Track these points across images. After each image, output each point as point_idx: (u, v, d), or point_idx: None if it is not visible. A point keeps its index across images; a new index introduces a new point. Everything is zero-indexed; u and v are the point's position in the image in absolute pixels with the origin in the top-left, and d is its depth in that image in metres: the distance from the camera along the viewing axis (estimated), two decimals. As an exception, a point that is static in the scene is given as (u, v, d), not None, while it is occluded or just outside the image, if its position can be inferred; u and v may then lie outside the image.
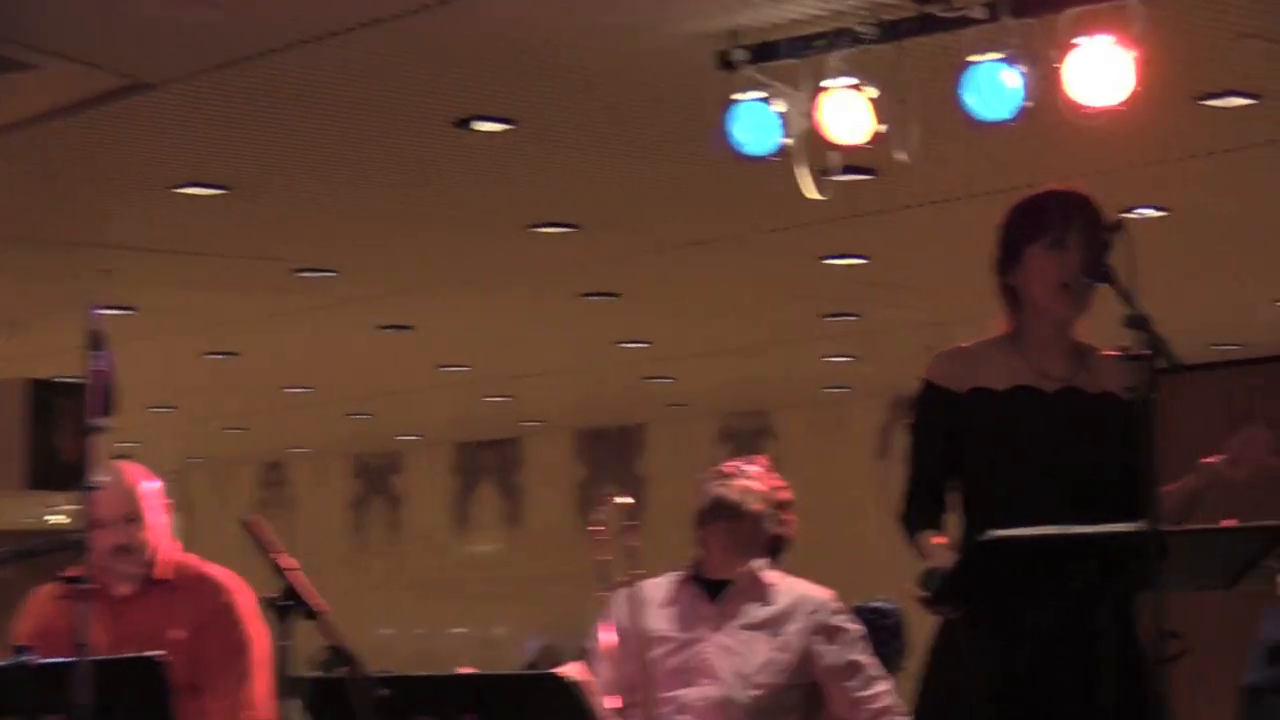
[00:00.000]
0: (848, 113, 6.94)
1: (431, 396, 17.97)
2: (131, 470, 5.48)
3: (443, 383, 17.06)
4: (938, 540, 4.45)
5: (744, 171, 7.70)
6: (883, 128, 6.92)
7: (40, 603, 5.54)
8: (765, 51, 7.16)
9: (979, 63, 6.64)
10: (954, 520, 4.55)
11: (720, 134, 7.17)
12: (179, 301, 12.84)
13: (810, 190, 7.32)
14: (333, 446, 22.59)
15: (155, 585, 5.42)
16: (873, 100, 6.91)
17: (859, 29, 6.90)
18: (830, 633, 5.46)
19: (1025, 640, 4.38)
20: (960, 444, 4.53)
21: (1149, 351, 4.00)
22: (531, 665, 19.35)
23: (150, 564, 5.42)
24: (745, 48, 7.18)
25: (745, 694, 5.36)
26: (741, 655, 5.40)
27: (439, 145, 8.81)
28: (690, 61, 7.34)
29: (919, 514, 4.55)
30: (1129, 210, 9.70)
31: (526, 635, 21.31)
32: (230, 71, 7.69)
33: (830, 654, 5.43)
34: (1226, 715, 15.09)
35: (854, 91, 6.92)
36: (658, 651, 5.38)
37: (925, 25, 6.86)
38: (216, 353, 15.15)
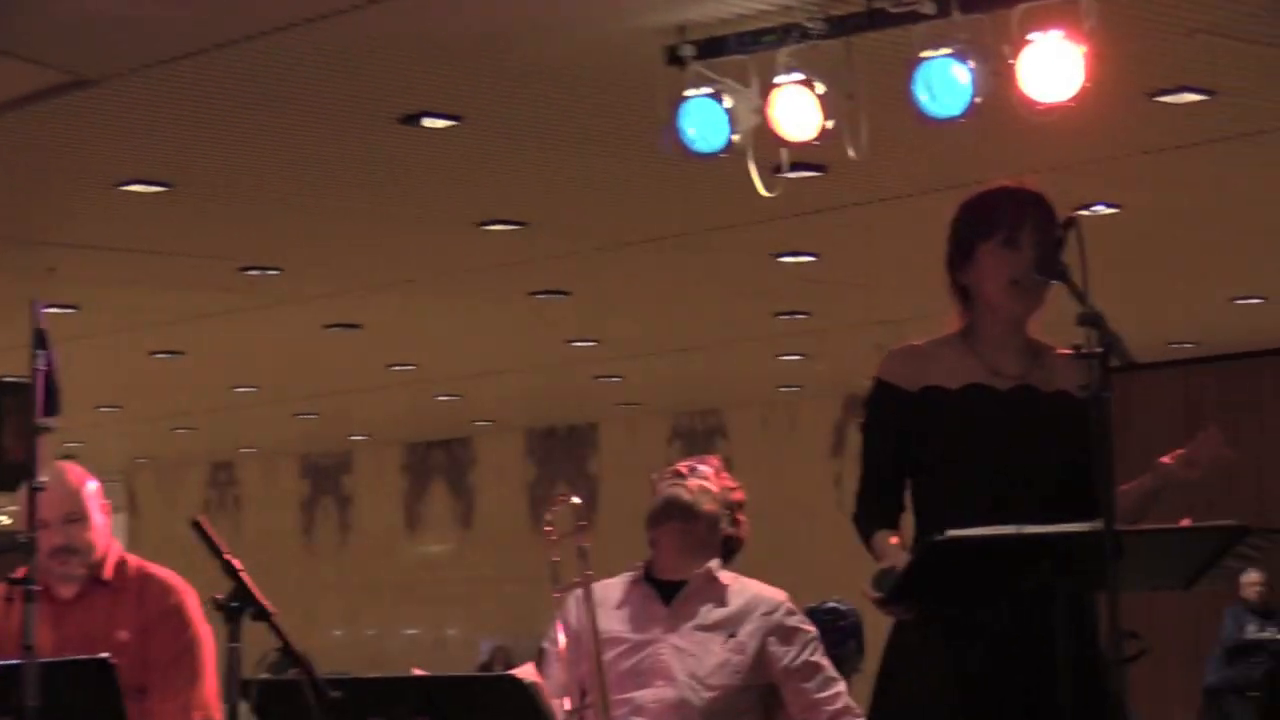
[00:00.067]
0: (797, 109, 6.95)
1: (381, 396, 17.94)
2: (72, 471, 5.46)
3: (392, 382, 17.04)
4: (892, 540, 4.45)
5: (694, 168, 7.71)
6: (831, 124, 6.93)
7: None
8: (713, 47, 7.17)
9: (929, 59, 6.65)
10: (909, 520, 4.56)
11: (670, 130, 7.18)
12: (124, 300, 12.79)
13: (760, 187, 7.33)
14: (281, 446, 22.54)
15: (99, 587, 5.40)
16: (822, 96, 6.92)
17: (808, 24, 6.91)
18: (785, 634, 5.46)
19: (979, 641, 4.39)
20: (913, 443, 4.54)
21: (1103, 349, 4.01)
22: (484, 667, 19.34)
23: (94, 565, 5.40)
24: (693, 43, 7.19)
25: (700, 696, 5.36)
26: (696, 657, 5.40)
27: (386, 142, 8.79)
28: (639, 57, 7.34)
29: (873, 514, 4.55)
30: (1082, 207, 9.74)
31: (479, 636, 21.30)
32: (174, 67, 7.66)
33: (786, 655, 5.43)
34: (1188, 716, 15.16)
35: (803, 88, 6.92)
36: (611, 653, 5.37)
37: (875, 21, 6.87)
38: (162, 352, 15.10)
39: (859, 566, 4.43)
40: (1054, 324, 4.56)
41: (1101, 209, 10.12)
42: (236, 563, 4.26)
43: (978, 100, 6.61)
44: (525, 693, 4.49)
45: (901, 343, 4.66)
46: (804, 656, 5.45)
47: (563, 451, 20.94)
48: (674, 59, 7.22)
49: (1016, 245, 4.51)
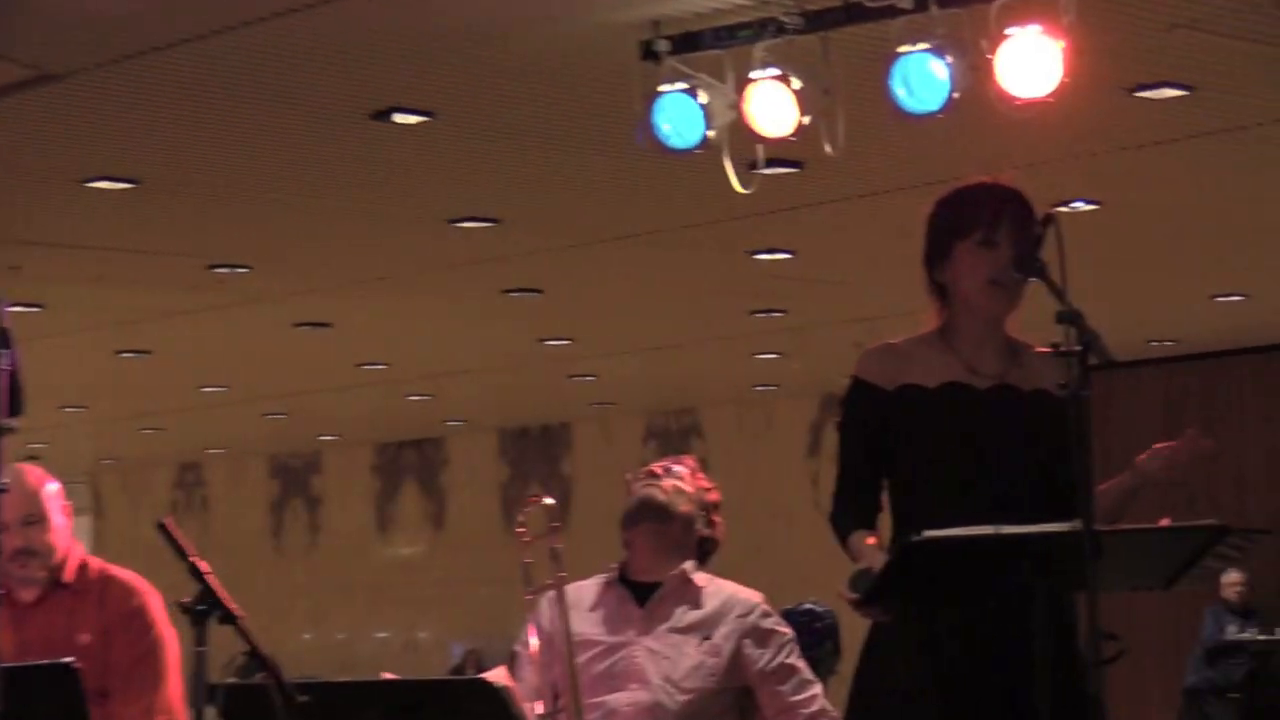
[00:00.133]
0: (773, 105, 6.95)
1: (351, 395, 17.92)
2: (32, 472, 5.44)
3: (362, 381, 17.02)
4: (869, 541, 4.45)
5: (669, 164, 7.71)
6: (808, 120, 6.93)
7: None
8: (689, 42, 7.17)
9: (907, 54, 6.65)
10: (887, 520, 4.57)
11: (644, 126, 7.17)
12: (89, 298, 12.76)
13: (736, 184, 7.33)
14: (249, 447, 22.50)
15: (61, 589, 5.39)
16: (798, 92, 6.92)
17: (784, 19, 6.92)
18: (761, 636, 5.46)
19: (957, 642, 4.40)
20: (891, 442, 4.54)
21: (1081, 348, 4.02)
22: (456, 670, 19.34)
23: (55, 568, 5.38)
24: (668, 38, 7.18)
25: (675, 699, 5.36)
26: (670, 659, 5.40)
27: (356, 137, 8.78)
28: (613, 52, 7.34)
29: (850, 514, 4.55)
30: (1061, 203, 9.76)
31: (451, 639, 21.29)
32: (141, 62, 7.64)
33: (762, 658, 5.43)
34: (1167, 717, 15.20)
35: (779, 83, 6.93)
36: (584, 656, 5.37)
37: (852, 15, 6.88)
38: (128, 351, 15.07)
39: (836, 567, 4.43)
40: (1032, 322, 4.56)
41: (1081, 205, 10.14)
42: (203, 565, 4.25)
43: (956, 95, 6.62)
44: (497, 696, 4.48)
45: (879, 341, 4.67)
46: (780, 659, 5.46)
47: (536, 451, 20.94)
48: (648, 54, 7.22)
49: (994, 244, 4.51)
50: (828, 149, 6.97)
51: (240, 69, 7.74)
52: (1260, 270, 12.38)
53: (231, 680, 4.35)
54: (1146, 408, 15.64)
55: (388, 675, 4.76)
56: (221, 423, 19.88)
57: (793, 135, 6.99)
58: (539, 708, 5.23)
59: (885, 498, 4.59)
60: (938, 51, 6.60)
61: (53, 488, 5.45)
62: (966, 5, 6.61)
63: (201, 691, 4.22)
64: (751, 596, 5.54)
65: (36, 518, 5.37)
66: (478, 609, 20.60)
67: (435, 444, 21.82)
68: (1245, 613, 15.43)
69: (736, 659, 5.42)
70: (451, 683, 7.71)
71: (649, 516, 5.51)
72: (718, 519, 5.66)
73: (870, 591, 4.21)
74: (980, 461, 4.47)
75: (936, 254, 4.61)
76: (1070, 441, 4.01)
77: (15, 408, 4.36)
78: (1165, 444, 4.41)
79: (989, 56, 6.55)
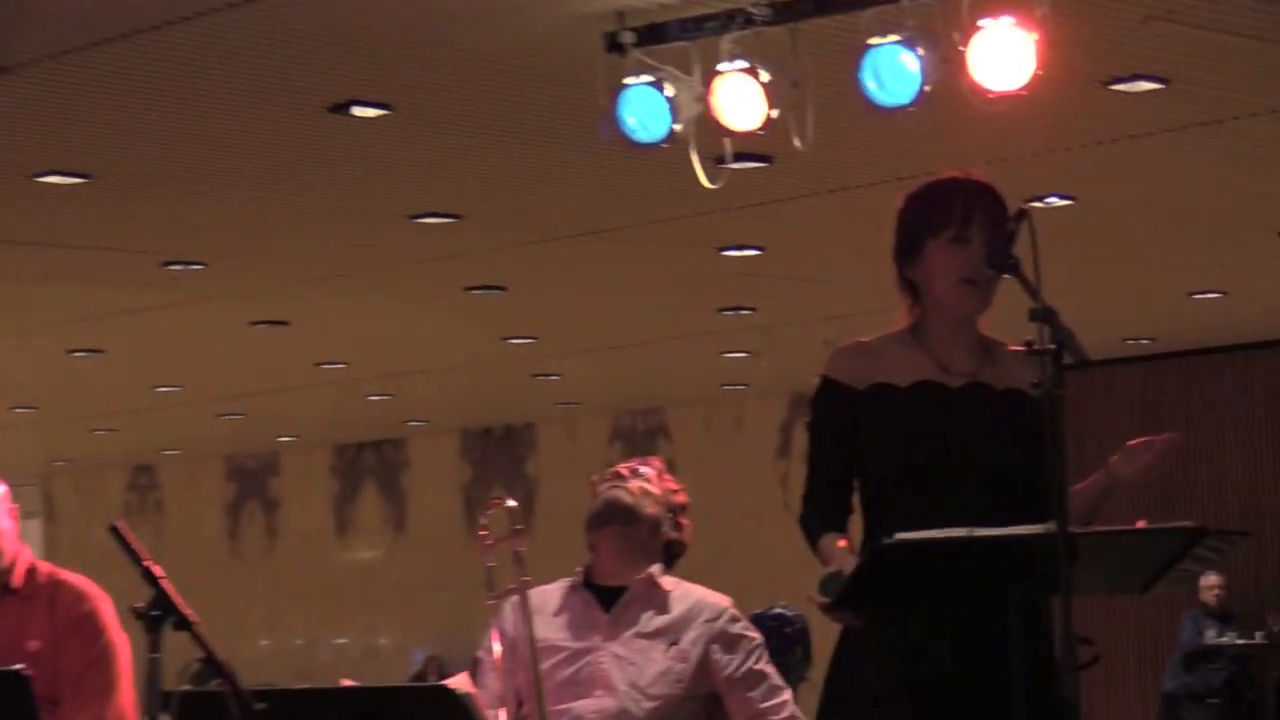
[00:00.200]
0: (741, 98, 6.96)
1: (309, 395, 17.90)
2: None
3: (321, 380, 16.99)
4: (840, 543, 4.46)
5: (635, 159, 7.72)
6: (776, 113, 6.94)
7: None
8: (654, 34, 7.17)
9: (877, 46, 6.66)
10: (858, 522, 4.57)
11: (609, 120, 7.18)
12: (40, 296, 12.72)
13: (703, 178, 7.34)
14: (205, 448, 22.46)
15: (9, 595, 5.38)
16: (766, 85, 6.93)
17: (752, 10, 6.92)
18: (730, 641, 5.47)
19: (929, 647, 4.41)
20: (862, 443, 4.55)
21: (1055, 346, 4.03)
22: (418, 677, 19.33)
23: (3, 573, 5.37)
24: (633, 29, 7.19)
25: (641, 706, 5.36)
26: (637, 665, 5.41)
27: (314, 131, 8.77)
28: (577, 44, 7.34)
29: (820, 516, 4.55)
30: (1034, 198, 9.78)
31: (412, 645, 21.27)
32: (93, 53, 7.62)
33: (730, 664, 5.44)
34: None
35: (747, 76, 6.94)
36: (549, 662, 5.37)
37: (821, 6, 6.89)
38: (81, 350, 15.03)
39: (806, 571, 4.44)
40: (1005, 320, 4.57)
41: (1055, 200, 10.16)
42: (157, 570, 4.24)
43: (927, 89, 6.63)
44: (460, 704, 4.48)
45: (849, 339, 4.67)
46: (748, 665, 5.46)
47: (499, 453, 20.93)
48: (613, 46, 7.22)
49: (966, 241, 4.52)
50: (797, 143, 6.98)
51: (194, 61, 7.72)
52: (1238, 267, 12.43)
53: (186, 688, 4.35)
54: (1122, 407, 15.69)
55: (347, 682, 4.76)
56: (176, 423, 19.84)
57: (761, 129, 7.00)
58: (502, 715, 5.23)
59: (856, 499, 4.60)
60: (909, 44, 6.61)
61: (-1, 490, 5.44)
62: (938, -4, 6.63)
63: (155, 699, 4.21)
64: (720, 600, 5.55)
65: (-19, 522, 5.36)
66: (439, 614, 20.58)
67: (396, 445, 21.80)
68: (1224, 616, 15.49)
69: (704, 665, 5.43)
70: (413, 690, 7.70)
71: (615, 519, 5.51)
72: (685, 521, 5.66)
73: (841, 595, 4.21)
74: (953, 462, 4.48)
75: (907, 251, 4.61)
76: (1044, 442, 4.02)
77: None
78: (1138, 440, 4.41)
79: (961, 49, 6.56)
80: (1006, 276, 4.32)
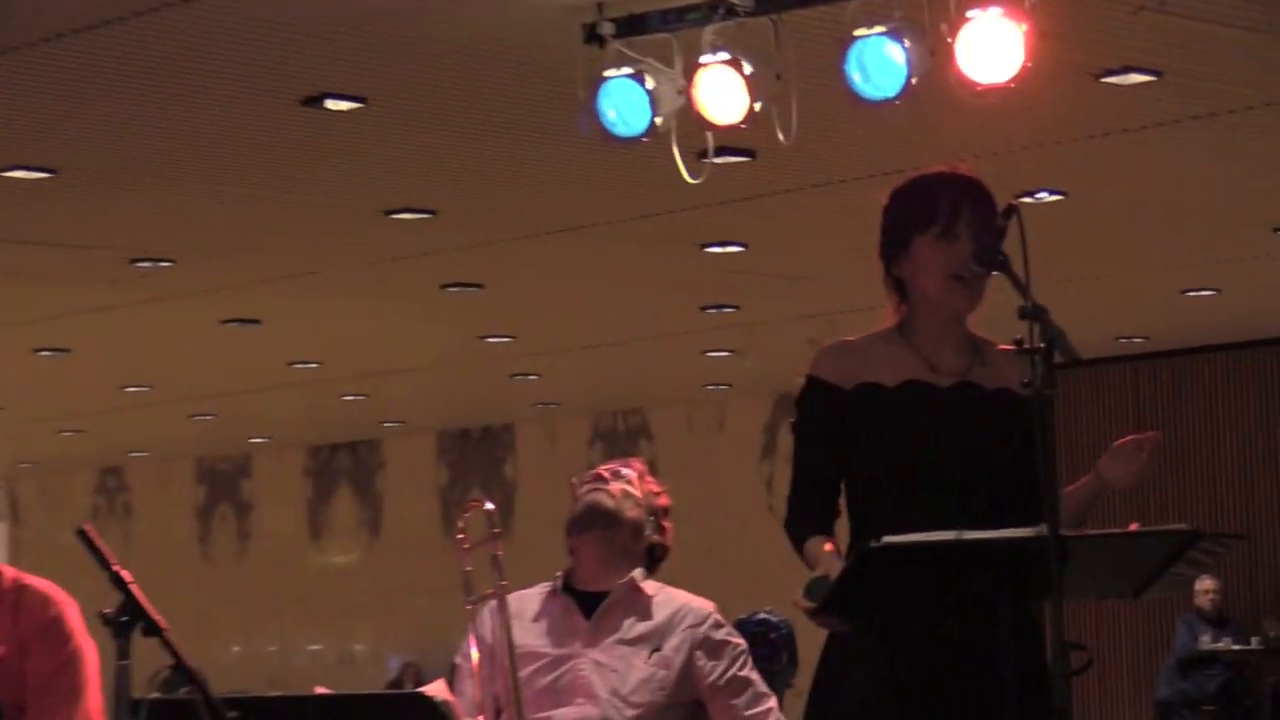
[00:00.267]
0: (723, 90, 6.95)
1: (282, 395, 17.88)
2: None
3: (293, 380, 16.98)
4: (826, 547, 4.45)
5: (615, 153, 7.72)
6: (760, 106, 6.94)
7: None
8: (634, 25, 7.17)
9: (863, 37, 6.67)
10: (845, 525, 4.57)
11: (588, 113, 7.18)
12: (5, 294, 12.70)
13: (685, 173, 7.34)
14: (175, 450, 22.43)
15: (-30, 600, 5.36)
16: (749, 77, 6.93)
17: (734, 1, 6.92)
18: (713, 647, 5.47)
19: (917, 652, 4.40)
20: (848, 443, 4.55)
21: (1046, 345, 4.03)
22: (394, 684, 19.33)
23: (-35, 577, 5.36)
24: (613, 20, 7.19)
25: (623, 714, 5.36)
26: (618, 672, 5.40)
27: (286, 125, 8.76)
28: (555, 35, 7.34)
29: (806, 519, 4.55)
30: (1024, 194, 9.80)
31: (387, 652, 21.25)
32: (59, 45, 7.61)
33: (714, 671, 5.44)
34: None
35: (729, 68, 6.93)
36: (528, 669, 5.37)
37: (806, -4, 6.90)
38: (47, 349, 15.00)
39: (791, 574, 4.44)
40: (994, 318, 4.58)
41: (1045, 196, 10.18)
42: (126, 574, 4.23)
43: (913, 81, 6.63)
44: (437, 711, 4.48)
45: (835, 338, 4.67)
46: (733, 671, 5.46)
47: (476, 454, 20.93)
48: (592, 37, 7.22)
49: (954, 237, 4.51)
50: (781, 137, 6.98)
51: (164, 52, 7.72)
52: (1232, 264, 12.45)
53: (155, 695, 4.35)
54: (1115, 407, 15.73)
55: (321, 690, 4.76)
56: (145, 424, 19.82)
57: (744, 122, 7.00)
58: (480, 723, 5.23)
59: (843, 501, 4.60)
60: (895, 35, 6.61)
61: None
62: (925, -13, 6.64)
63: (124, 707, 4.21)
64: (703, 606, 5.55)
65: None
66: (416, 619, 20.58)
67: (371, 446, 21.79)
68: (1219, 621, 15.51)
69: (687, 671, 5.43)
70: (389, 697, 7.70)
71: (596, 523, 5.51)
72: (667, 524, 5.66)
73: (827, 599, 4.21)
74: (941, 463, 4.48)
75: (893, 248, 4.61)
76: (1035, 443, 4.02)
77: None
78: (1125, 439, 4.41)
79: (949, 40, 6.57)
80: (995, 274, 4.32)
